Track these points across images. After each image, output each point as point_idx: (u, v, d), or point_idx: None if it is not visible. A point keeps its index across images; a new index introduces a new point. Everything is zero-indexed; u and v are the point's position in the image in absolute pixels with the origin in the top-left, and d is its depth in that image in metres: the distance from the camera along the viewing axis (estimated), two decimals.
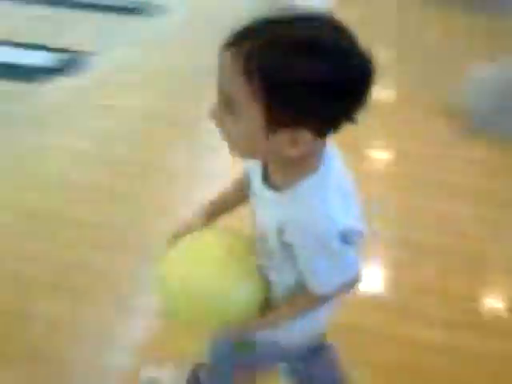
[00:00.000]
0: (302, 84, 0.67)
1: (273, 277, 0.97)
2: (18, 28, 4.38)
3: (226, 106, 0.74)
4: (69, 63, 3.88)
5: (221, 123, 0.77)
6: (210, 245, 0.97)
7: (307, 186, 0.81)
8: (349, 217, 0.84)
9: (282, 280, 0.96)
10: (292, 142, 0.74)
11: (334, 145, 0.87)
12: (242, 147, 0.78)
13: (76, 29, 4.55)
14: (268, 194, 0.88)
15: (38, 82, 3.59)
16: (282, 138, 0.74)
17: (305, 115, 0.71)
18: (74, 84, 3.66)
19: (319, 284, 0.90)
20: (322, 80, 0.67)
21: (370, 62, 0.72)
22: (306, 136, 0.73)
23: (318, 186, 0.81)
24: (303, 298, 0.94)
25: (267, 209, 0.89)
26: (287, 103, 0.69)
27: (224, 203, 1.09)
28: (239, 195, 1.05)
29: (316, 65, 0.67)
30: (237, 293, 0.93)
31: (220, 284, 0.91)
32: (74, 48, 4.09)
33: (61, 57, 3.95)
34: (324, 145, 0.82)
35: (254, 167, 0.92)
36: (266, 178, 0.89)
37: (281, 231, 0.85)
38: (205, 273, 0.92)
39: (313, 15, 0.71)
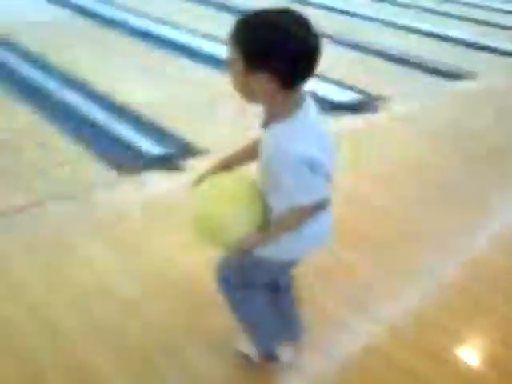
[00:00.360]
0: (263, 49, 1.13)
1: (270, 202, 1.33)
2: (332, 66, 4.64)
3: (231, 63, 1.20)
4: (364, 103, 4.17)
5: (230, 73, 1.22)
6: (221, 183, 1.39)
7: (279, 126, 1.22)
8: (317, 152, 1.20)
9: (276, 203, 1.31)
10: (260, 83, 1.16)
11: (312, 102, 1.29)
12: (237, 87, 1.22)
13: (378, 75, 4.85)
14: (262, 132, 1.28)
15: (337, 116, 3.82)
16: (255, 79, 1.16)
17: (266, 67, 1.14)
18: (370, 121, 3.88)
19: (290, 200, 1.24)
20: (275, 47, 1.11)
21: (316, 42, 1.14)
22: (269, 81, 1.15)
23: (287, 127, 1.20)
24: (286, 214, 1.28)
25: (261, 145, 1.28)
26: (255, 59, 1.14)
27: (243, 153, 1.47)
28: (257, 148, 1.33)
29: (271, 37, 1.12)
30: (237, 217, 1.32)
31: (226, 210, 1.32)
32: (371, 91, 4.35)
33: (359, 96, 4.28)
34: (294, 99, 1.22)
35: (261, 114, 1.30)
36: (265, 122, 1.28)
37: (265, 163, 1.25)
38: (216, 203, 1.33)
39: (288, 10, 1.15)
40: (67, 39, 5.38)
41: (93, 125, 3.47)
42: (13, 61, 4.61)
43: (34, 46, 5.01)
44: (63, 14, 6.44)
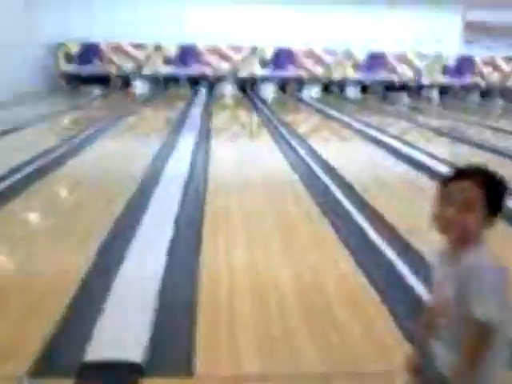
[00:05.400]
0: (494, 198, 1.34)
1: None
2: None
3: (466, 208, 1.33)
4: None
5: (453, 221, 1.34)
6: None
7: (475, 250, 1.35)
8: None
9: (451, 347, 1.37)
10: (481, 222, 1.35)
11: None
12: (471, 231, 1.34)
13: None
14: (449, 269, 1.39)
15: None
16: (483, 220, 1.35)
17: (491, 210, 1.34)
18: None
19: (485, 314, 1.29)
20: (498, 196, 1.36)
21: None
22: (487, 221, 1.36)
23: (483, 251, 1.35)
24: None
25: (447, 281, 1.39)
26: (491, 204, 1.34)
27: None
28: None
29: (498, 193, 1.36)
30: None
31: None
32: None
33: None
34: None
35: (438, 255, 1.45)
36: (450, 257, 1.40)
37: (464, 282, 1.32)
38: None
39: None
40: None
41: None
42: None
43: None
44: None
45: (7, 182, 4.84)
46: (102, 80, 15.32)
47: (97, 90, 15.01)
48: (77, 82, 15.21)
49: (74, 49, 15.10)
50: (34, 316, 2.52)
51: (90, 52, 15.16)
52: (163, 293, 2.76)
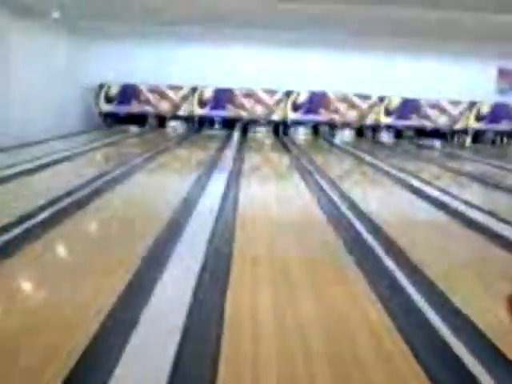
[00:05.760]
0: None
1: None
2: None
3: None
4: None
5: None
6: None
7: None
8: None
9: None
10: None
11: None
12: None
13: None
14: None
15: None
16: None
17: None
18: None
19: None
20: None
21: None
22: None
23: None
24: None
25: None
26: None
27: None
28: None
29: None
30: None
31: None
32: None
33: None
34: None
35: None
36: None
37: None
38: None
39: None
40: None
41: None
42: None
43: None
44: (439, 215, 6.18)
45: (43, 215, 4.98)
46: (139, 120, 15.81)
47: (133, 129, 15.46)
48: (115, 121, 15.74)
49: (115, 90, 15.68)
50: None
51: (128, 93, 15.71)
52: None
